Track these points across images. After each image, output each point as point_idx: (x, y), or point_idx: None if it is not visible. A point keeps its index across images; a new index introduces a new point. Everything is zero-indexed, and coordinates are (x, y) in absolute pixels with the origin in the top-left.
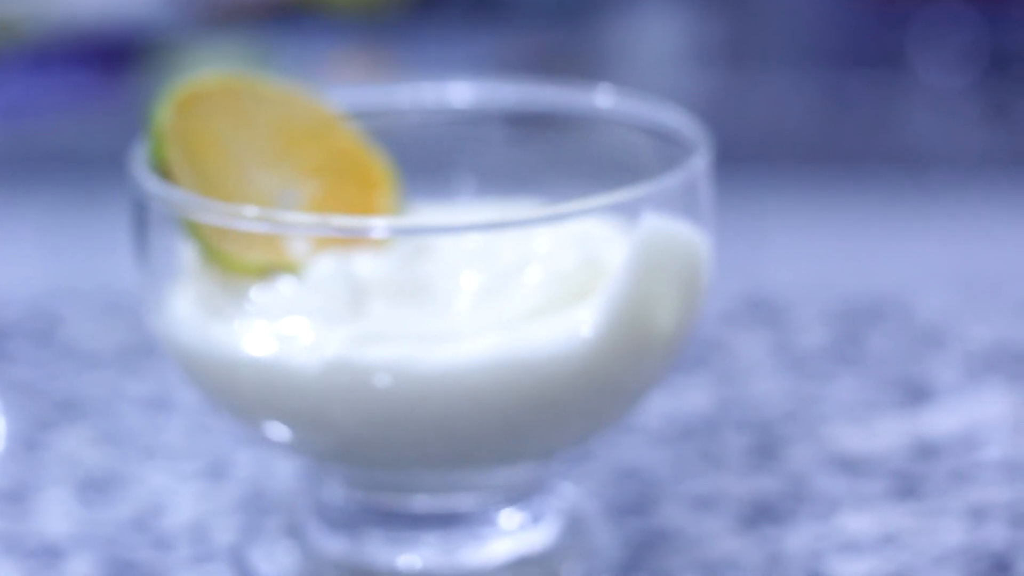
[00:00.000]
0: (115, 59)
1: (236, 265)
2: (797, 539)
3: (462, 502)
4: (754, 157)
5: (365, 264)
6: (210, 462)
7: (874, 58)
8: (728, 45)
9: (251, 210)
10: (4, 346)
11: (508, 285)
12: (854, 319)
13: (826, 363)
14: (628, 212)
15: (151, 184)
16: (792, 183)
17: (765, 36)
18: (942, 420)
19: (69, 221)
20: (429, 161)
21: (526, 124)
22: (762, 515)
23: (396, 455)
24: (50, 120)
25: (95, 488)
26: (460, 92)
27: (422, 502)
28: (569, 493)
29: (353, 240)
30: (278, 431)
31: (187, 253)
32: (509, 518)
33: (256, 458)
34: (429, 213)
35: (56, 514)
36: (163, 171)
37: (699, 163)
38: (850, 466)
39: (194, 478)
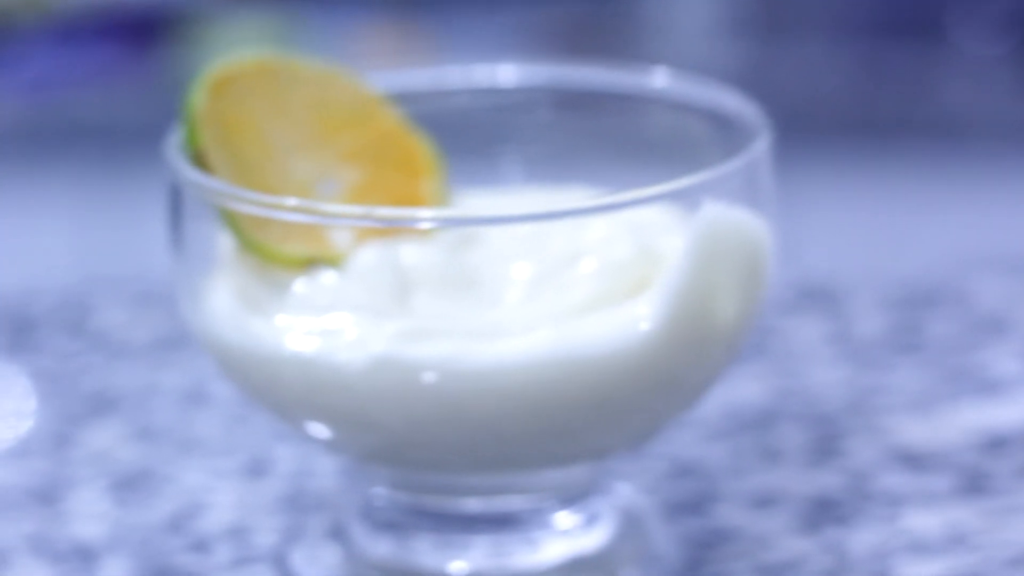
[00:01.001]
0: (144, 32)
1: (275, 256)
2: (862, 540)
3: (513, 503)
4: (788, 130)
5: (410, 254)
6: (249, 458)
7: (911, 27)
8: (762, 16)
9: (290, 200)
10: (34, 337)
11: (561, 276)
12: (911, 305)
13: (885, 352)
14: (687, 199)
15: (186, 171)
16: (828, 156)
17: (800, 6)
18: (1008, 412)
19: (99, 196)
20: (473, 145)
21: (575, 106)
22: (825, 514)
23: (445, 457)
24: (79, 94)
25: (129, 487)
26: (506, 74)
27: (472, 503)
28: (624, 492)
29: (397, 230)
30: (320, 430)
31: (224, 243)
32: (562, 520)
33: (297, 454)
34: (476, 200)
35: (88, 515)
36: (198, 157)
37: (760, 148)
38: (915, 461)
39: (232, 476)
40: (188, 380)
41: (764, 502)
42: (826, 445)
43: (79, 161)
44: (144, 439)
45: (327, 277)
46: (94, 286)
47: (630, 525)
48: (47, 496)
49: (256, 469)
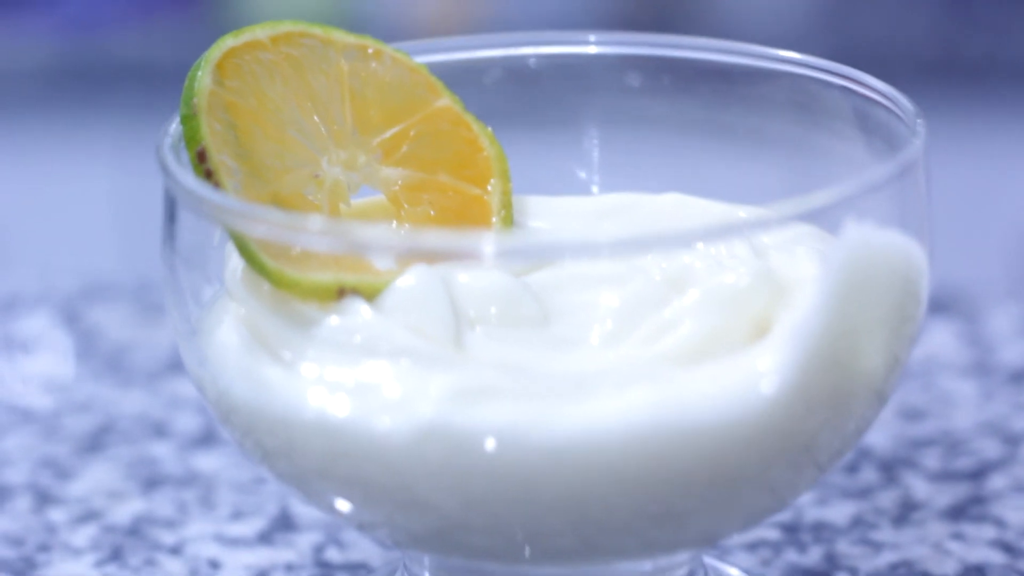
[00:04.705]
0: None
1: (295, 285)
2: None
3: None
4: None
5: (465, 282)
6: (266, 524)
7: None
8: None
9: (315, 221)
10: (20, 361)
11: (657, 308)
12: None
13: None
14: (823, 217)
15: (183, 178)
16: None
17: None
18: None
19: (137, 146)
20: (546, 136)
21: (672, 91)
22: None
23: (509, 545)
24: (119, 34)
25: (120, 557)
26: (585, 45)
27: None
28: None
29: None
30: (350, 509)
31: (232, 266)
32: None
33: (324, 520)
34: (548, 207)
35: None
36: (199, 158)
37: (916, 150)
38: None
39: (245, 546)
40: (198, 417)
41: None
42: (973, 508)
43: (117, 104)
44: (140, 495)
45: (360, 312)
46: (96, 297)
47: None
48: (17, 570)
49: (275, 537)
